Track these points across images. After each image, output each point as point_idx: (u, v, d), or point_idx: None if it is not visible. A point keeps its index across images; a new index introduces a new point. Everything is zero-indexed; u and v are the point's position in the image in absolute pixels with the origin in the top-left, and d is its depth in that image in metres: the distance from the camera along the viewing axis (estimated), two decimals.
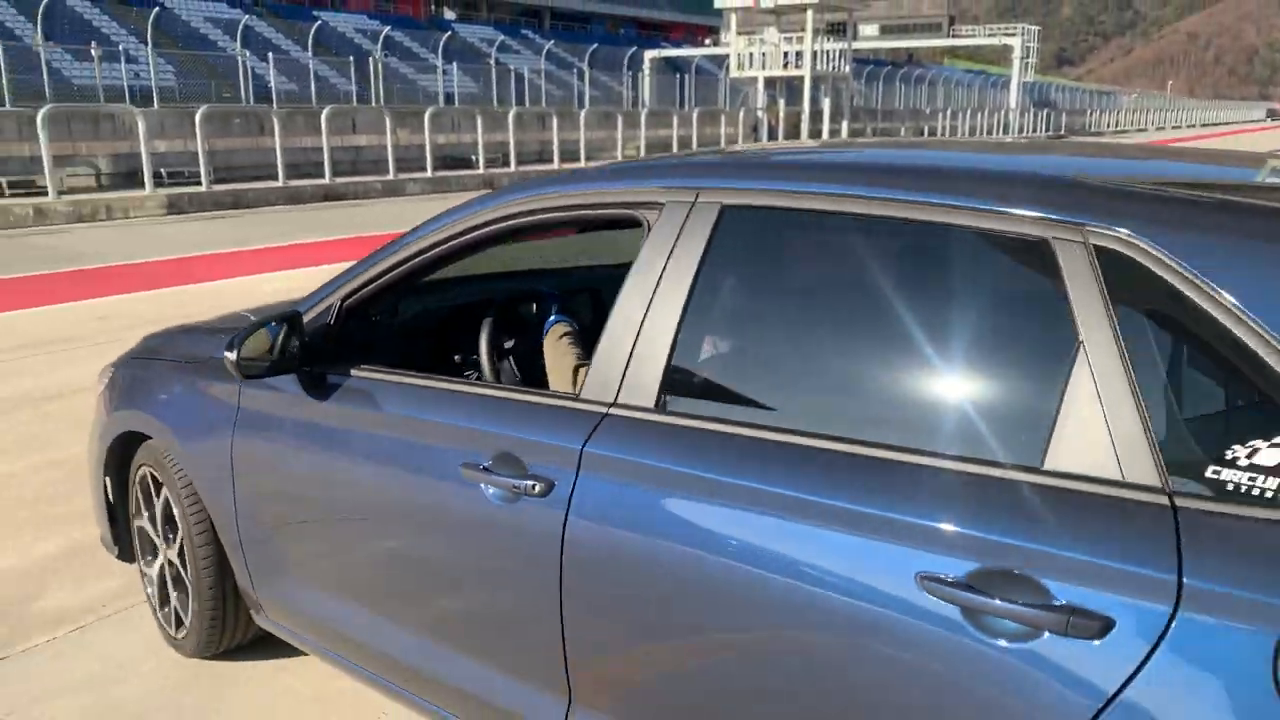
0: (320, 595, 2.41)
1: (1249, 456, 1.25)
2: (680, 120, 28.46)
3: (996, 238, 1.50)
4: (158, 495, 2.83)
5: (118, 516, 3.11)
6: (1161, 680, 1.21)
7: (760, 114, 34.23)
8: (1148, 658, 1.21)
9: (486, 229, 2.14)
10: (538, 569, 1.82)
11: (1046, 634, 1.28)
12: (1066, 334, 1.39)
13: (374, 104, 29.06)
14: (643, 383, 1.78)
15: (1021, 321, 1.53)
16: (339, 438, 2.25)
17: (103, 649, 2.99)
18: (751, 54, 35.51)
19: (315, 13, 45.59)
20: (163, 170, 17.28)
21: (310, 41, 30.91)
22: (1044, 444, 1.38)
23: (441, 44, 36.18)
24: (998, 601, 1.31)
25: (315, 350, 2.33)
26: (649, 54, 43.27)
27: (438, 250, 2.20)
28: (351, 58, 32.44)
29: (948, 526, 1.40)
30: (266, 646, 2.89)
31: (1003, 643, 1.31)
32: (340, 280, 2.38)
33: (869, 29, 68.02)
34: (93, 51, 25.57)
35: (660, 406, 1.76)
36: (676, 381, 1.77)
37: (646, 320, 1.80)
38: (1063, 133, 59.53)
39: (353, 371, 2.28)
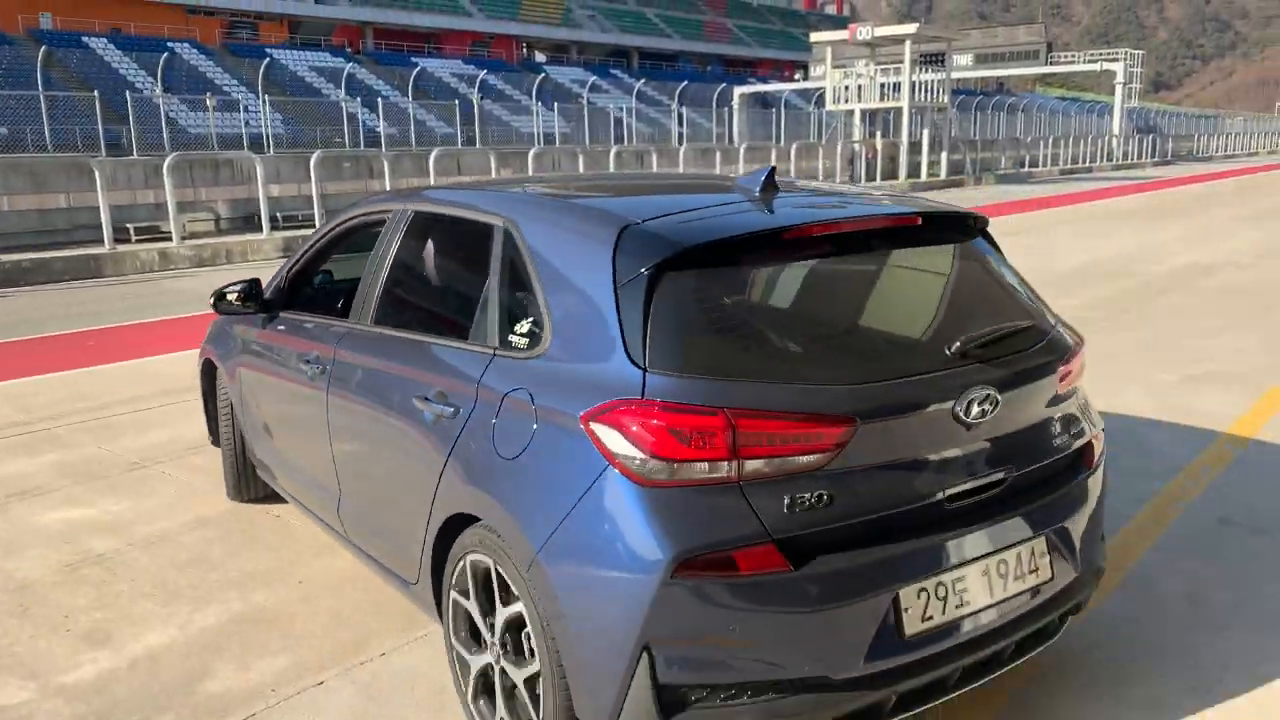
0: (261, 441, 4.05)
1: (521, 329, 2.52)
2: (777, 154, 28.09)
3: (479, 225, 2.84)
4: (214, 398, 4.53)
5: (210, 413, 4.64)
6: (471, 432, 2.49)
7: (856, 146, 33.61)
8: (466, 422, 2.52)
9: (340, 228, 3.71)
10: (317, 413, 3.38)
11: (450, 418, 2.59)
12: (488, 271, 2.72)
13: (475, 145, 29.44)
14: (364, 308, 3.26)
15: (482, 267, 2.76)
16: (270, 351, 3.83)
17: None
18: (847, 86, 34.94)
19: (413, 59, 46.81)
20: (278, 214, 17.62)
21: (410, 87, 31.54)
22: (480, 329, 2.69)
23: (535, 86, 36.61)
24: (438, 406, 2.65)
25: (269, 302, 3.87)
26: (738, 90, 43.06)
27: (321, 241, 3.81)
28: (456, 102, 32.98)
29: (432, 375, 2.75)
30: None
31: (436, 422, 2.65)
32: (289, 260, 3.94)
33: (963, 58, 66.83)
34: (208, 101, 26.50)
35: (369, 322, 3.22)
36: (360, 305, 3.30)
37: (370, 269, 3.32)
38: (1170, 158, 57.18)
39: (282, 314, 3.84)
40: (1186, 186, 29.76)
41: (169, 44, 38.39)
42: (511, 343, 2.52)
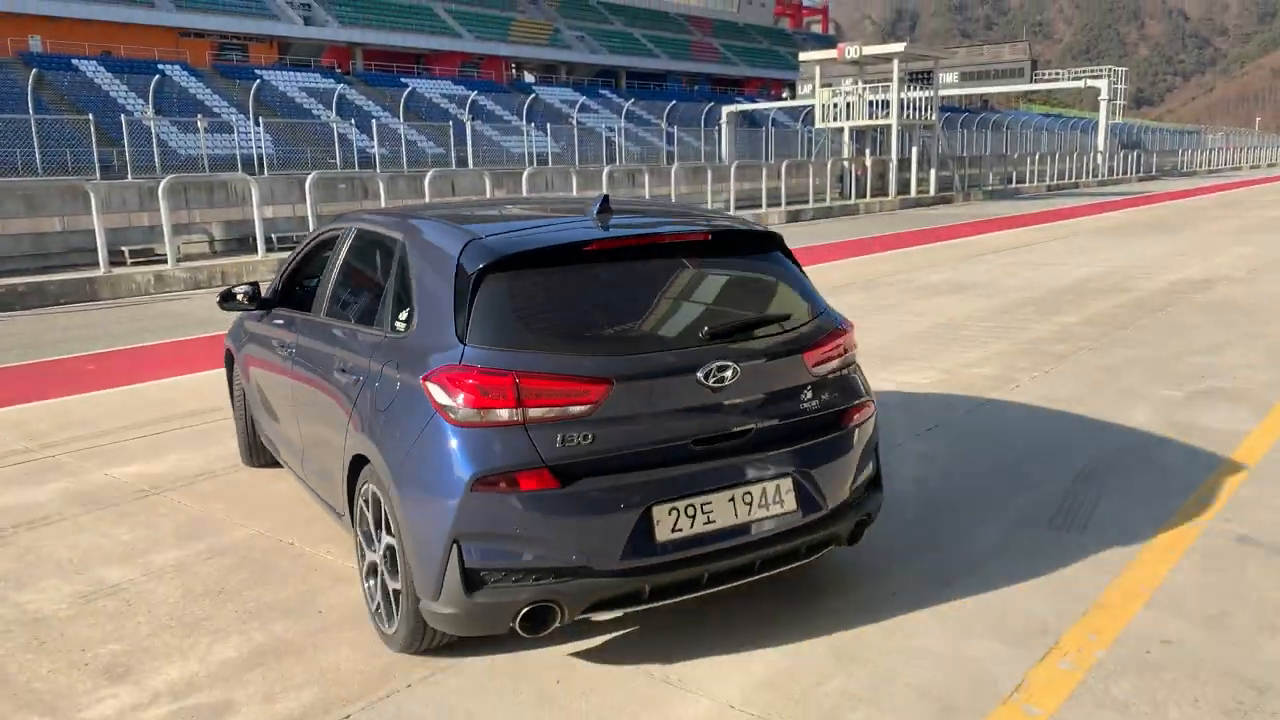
0: (260, 414, 4.87)
1: (401, 317, 3.31)
2: (768, 172, 28.20)
3: (386, 240, 3.68)
4: (233, 382, 5.41)
5: (232, 394, 5.45)
6: (364, 394, 3.33)
7: (845, 164, 33.79)
8: (362, 387, 3.36)
9: (314, 242, 4.56)
10: (286, 387, 4.28)
11: (354, 385, 3.42)
12: (389, 275, 3.55)
13: (467, 165, 29.47)
14: (318, 304, 4.12)
15: (385, 271, 3.59)
16: (265, 339, 4.64)
17: None
18: (836, 105, 35.17)
19: (403, 79, 46.90)
20: (273, 235, 17.57)
21: (401, 108, 31.58)
22: (379, 317, 3.49)
23: (525, 106, 36.71)
24: (348, 376, 3.51)
25: (266, 301, 4.67)
26: (726, 108, 43.26)
27: (303, 252, 4.67)
28: (450, 123, 33.02)
29: (347, 353, 3.59)
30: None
31: (347, 388, 3.49)
32: (282, 267, 4.79)
33: (949, 76, 67.29)
34: (199, 124, 26.47)
35: (317, 313, 4.10)
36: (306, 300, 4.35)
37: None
38: (1154, 173, 57.66)
39: (276, 310, 4.61)
40: (1173, 201, 30.01)
41: (160, 66, 38.39)
42: (396, 327, 3.36)
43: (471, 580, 2.89)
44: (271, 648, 3.34)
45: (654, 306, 3.19)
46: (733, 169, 27.20)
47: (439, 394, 2.94)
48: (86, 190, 14.35)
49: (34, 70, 27.77)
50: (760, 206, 27.10)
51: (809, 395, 3.25)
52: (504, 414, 2.87)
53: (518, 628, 2.91)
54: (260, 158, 26.04)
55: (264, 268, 15.40)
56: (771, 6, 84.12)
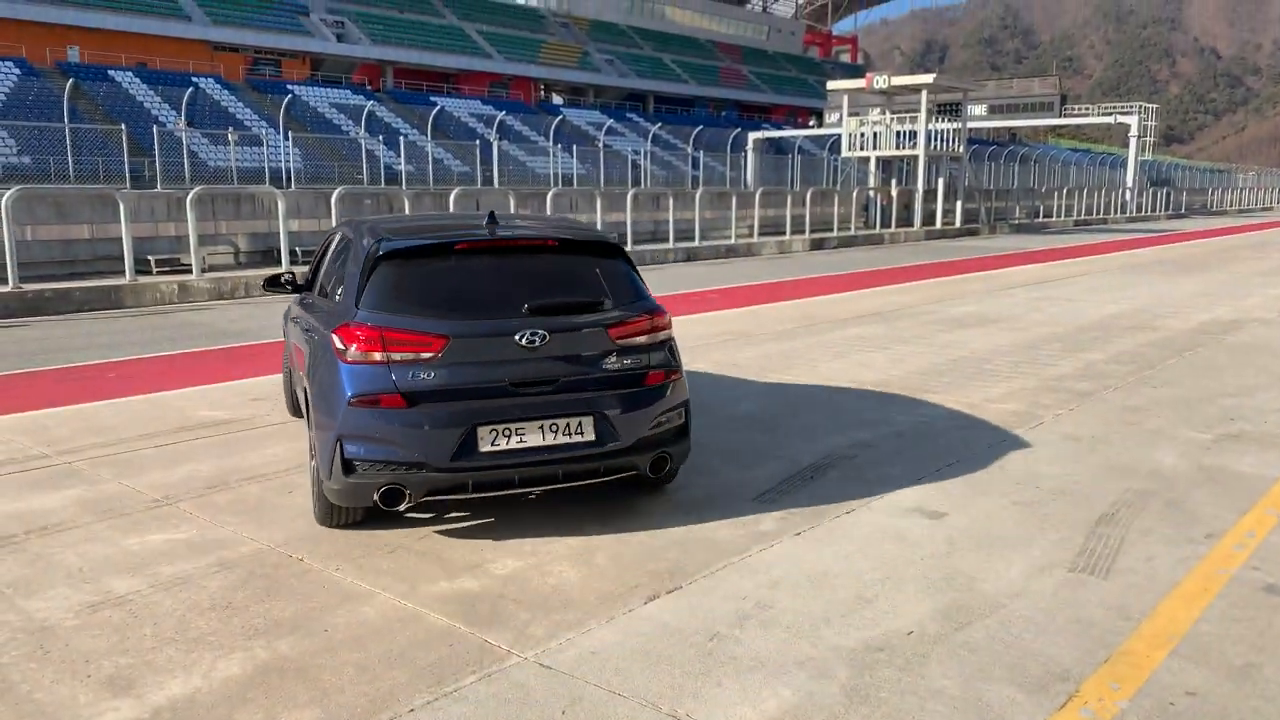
0: (295, 375, 5.78)
1: (339, 292, 4.74)
2: (793, 199, 28.19)
3: (348, 239, 5.06)
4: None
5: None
6: (314, 345, 4.84)
7: (871, 193, 33.74)
8: (315, 340, 4.82)
9: (327, 242, 5.71)
10: (298, 350, 5.43)
11: (315, 340, 4.84)
12: (346, 263, 4.90)
13: (493, 185, 29.64)
14: (318, 286, 5.52)
15: (345, 261, 4.89)
16: (294, 315, 5.79)
17: None
18: (864, 134, 35.16)
19: (433, 98, 47.36)
20: (297, 249, 17.68)
21: (429, 126, 31.85)
22: (334, 293, 4.87)
23: (552, 128, 36.93)
24: (314, 335, 4.90)
25: (299, 286, 5.88)
26: (753, 135, 43.41)
27: (322, 249, 5.78)
28: (476, 142, 33.28)
29: (314, 318, 5.04)
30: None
31: (310, 342, 4.97)
32: (311, 261, 5.96)
33: (977, 109, 67.20)
34: (229, 136, 26.78)
35: (322, 296, 5.21)
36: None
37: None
38: (1184, 211, 57.21)
39: (304, 295, 5.72)
40: (1203, 240, 29.73)
41: (193, 79, 38.94)
42: (336, 298, 4.71)
43: (349, 466, 4.19)
44: (276, 665, 3.29)
45: (495, 289, 4.44)
46: (757, 195, 27.20)
47: (336, 342, 4.32)
48: (116, 199, 14.51)
49: (70, 80, 28.24)
50: (785, 234, 27.08)
51: (613, 360, 4.45)
52: (376, 356, 4.20)
53: (379, 502, 4.19)
54: (288, 171, 26.31)
55: None
56: (801, 35, 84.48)
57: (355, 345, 4.21)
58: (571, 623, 3.59)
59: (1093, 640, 3.41)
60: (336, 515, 4.50)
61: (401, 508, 4.25)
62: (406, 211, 18.69)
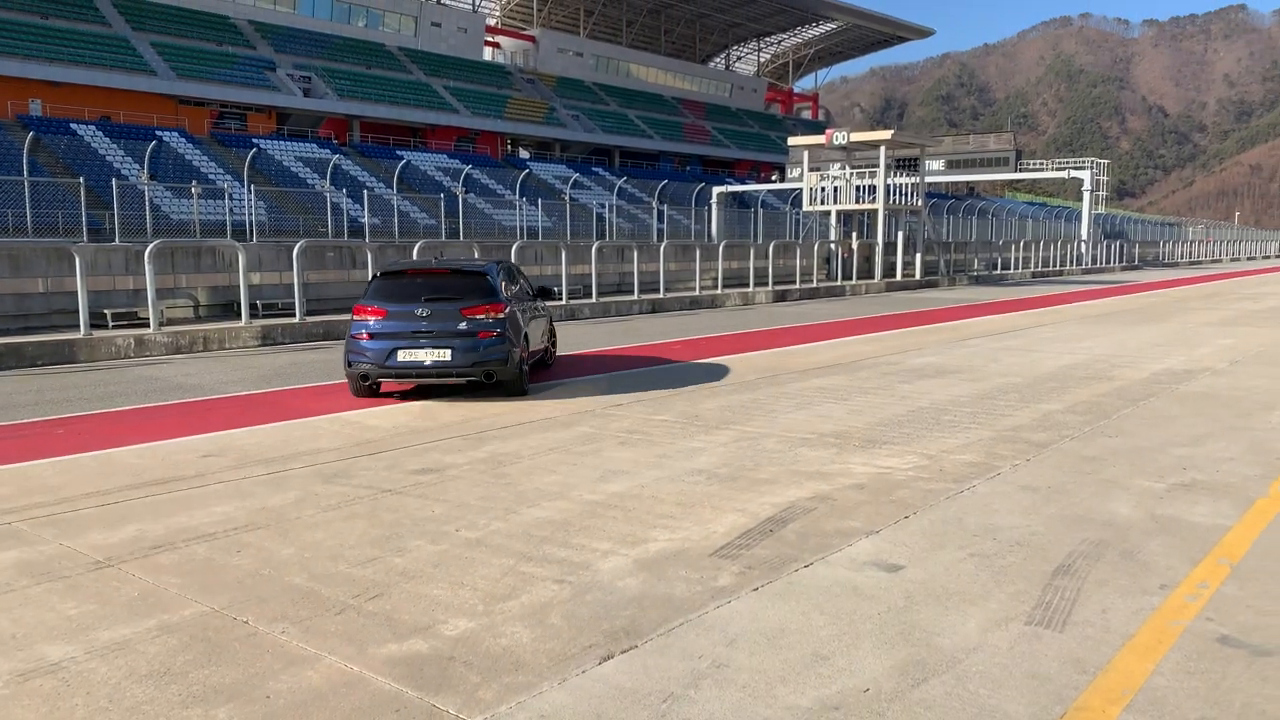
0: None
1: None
2: (756, 252, 28.50)
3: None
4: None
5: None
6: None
7: (833, 246, 34.22)
8: None
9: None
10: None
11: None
12: None
13: (459, 238, 29.68)
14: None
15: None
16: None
17: None
18: (825, 188, 35.78)
19: (399, 152, 47.56)
20: (258, 302, 17.53)
21: (395, 179, 31.94)
22: None
23: (519, 181, 37.19)
24: None
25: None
26: (717, 189, 44.01)
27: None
28: (441, 195, 33.38)
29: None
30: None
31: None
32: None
33: (936, 163, 68.69)
34: (193, 189, 26.66)
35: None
36: None
37: None
38: (1137, 263, 58.60)
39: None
40: (1156, 291, 30.42)
41: (157, 132, 38.86)
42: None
43: (349, 363, 9.55)
44: None
45: (414, 291, 9.61)
46: (721, 248, 27.49)
47: (355, 311, 9.57)
48: (72, 253, 14.32)
49: (31, 133, 28.05)
50: (748, 285, 27.31)
51: (465, 324, 9.35)
52: (365, 318, 9.45)
53: (359, 379, 9.66)
54: (252, 224, 26.18)
55: (247, 334, 15.33)
56: (763, 92, 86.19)
57: (357, 312, 9.57)
58: (522, 685, 3.50)
59: (1049, 696, 3.39)
60: (352, 384, 9.90)
61: (367, 384, 9.76)
62: (370, 265, 18.65)
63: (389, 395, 9.98)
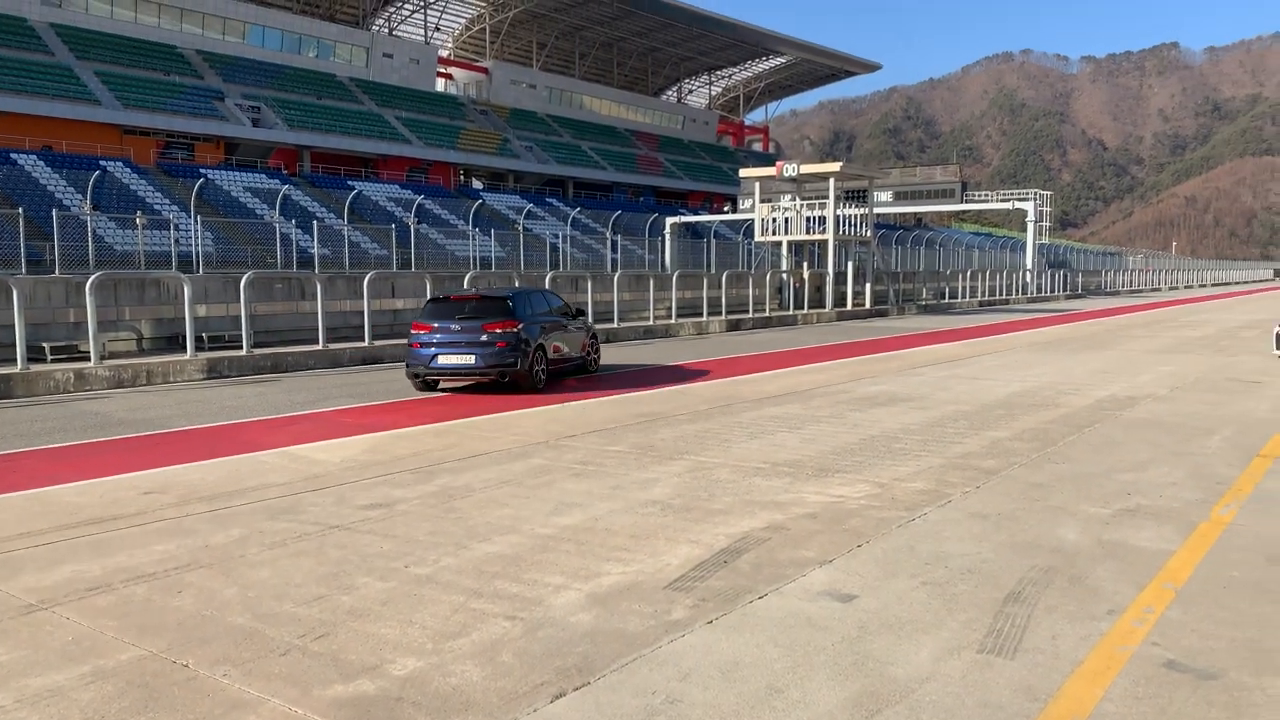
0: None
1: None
2: (709, 282, 28.69)
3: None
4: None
5: None
6: None
7: (785, 276, 34.59)
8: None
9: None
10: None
11: None
12: None
13: (410, 268, 29.47)
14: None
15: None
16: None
17: None
18: (776, 219, 36.21)
19: (350, 182, 47.22)
20: (204, 334, 17.21)
21: (346, 210, 31.67)
22: None
23: (471, 212, 37.10)
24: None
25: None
26: (670, 220, 44.30)
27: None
28: (392, 226, 33.16)
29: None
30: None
31: None
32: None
33: (884, 195, 69.88)
34: (137, 220, 26.18)
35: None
36: None
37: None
38: (1080, 292, 60.04)
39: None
40: (1099, 319, 31.15)
41: (101, 162, 38.17)
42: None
43: (409, 364, 13.04)
44: None
45: (453, 311, 13.12)
46: (675, 278, 27.64)
47: (413, 326, 13.20)
48: (9, 285, 13.95)
49: None
50: (702, 315, 27.47)
51: (485, 336, 12.69)
52: (418, 332, 12.97)
53: (414, 379, 13.16)
54: (198, 255, 25.76)
55: (192, 367, 15.03)
56: (714, 125, 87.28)
57: (415, 327, 13.00)
58: None
59: None
60: (413, 383, 13.16)
61: (418, 380, 13.09)
62: (319, 297, 18.42)
63: (444, 391, 13.49)
